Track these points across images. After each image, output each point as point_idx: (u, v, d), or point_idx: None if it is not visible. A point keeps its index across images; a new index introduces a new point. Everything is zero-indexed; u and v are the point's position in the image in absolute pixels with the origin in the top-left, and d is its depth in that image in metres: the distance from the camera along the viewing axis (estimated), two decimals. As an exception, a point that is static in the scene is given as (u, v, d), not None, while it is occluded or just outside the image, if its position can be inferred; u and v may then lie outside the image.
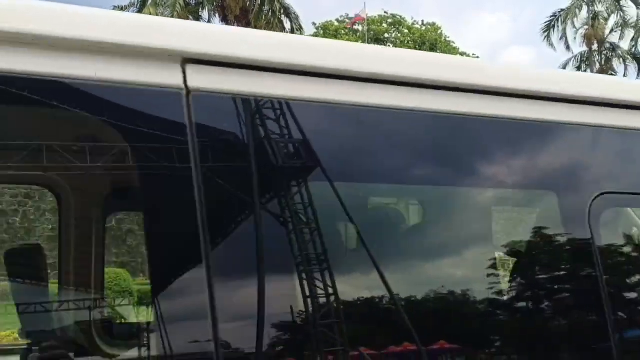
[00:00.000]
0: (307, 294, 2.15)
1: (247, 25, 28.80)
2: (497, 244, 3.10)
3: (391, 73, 2.34)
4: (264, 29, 28.72)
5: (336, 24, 56.28)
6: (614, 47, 36.76)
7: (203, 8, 29.51)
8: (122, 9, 28.95)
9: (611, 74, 37.03)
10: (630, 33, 36.89)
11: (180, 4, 27.08)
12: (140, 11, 28.01)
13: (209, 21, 29.90)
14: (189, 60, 2.03)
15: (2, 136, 2.13)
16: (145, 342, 2.70)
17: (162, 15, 27.99)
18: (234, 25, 28.90)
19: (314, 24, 57.33)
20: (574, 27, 36.43)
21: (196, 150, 2.00)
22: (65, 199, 3.17)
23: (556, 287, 2.87)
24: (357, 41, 51.14)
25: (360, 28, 50.07)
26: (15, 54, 1.81)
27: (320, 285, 2.17)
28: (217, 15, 29.26)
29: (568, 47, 36.57)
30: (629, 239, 3.12)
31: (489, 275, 2.70)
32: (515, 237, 3.33)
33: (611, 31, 36.83)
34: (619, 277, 2.93)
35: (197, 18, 29.74)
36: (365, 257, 2.32)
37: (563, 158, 2.84)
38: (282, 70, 2.16)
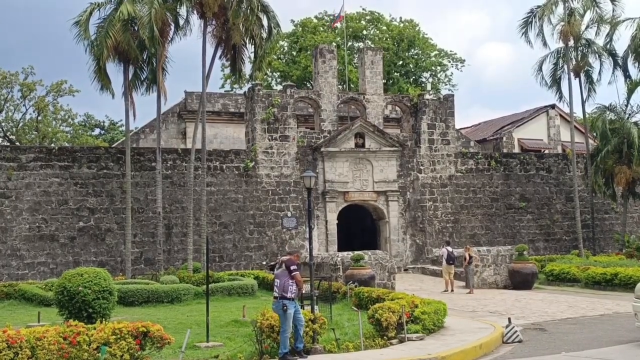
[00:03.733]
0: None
1: (225, 22, 28.65)
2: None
3: None
4: (242, 26, 28.59)
5: (315, 21, 56.26)
6: (589, 43, 37.12)
7: (181, 5, 29.24)
8: (98, 6, 28.65)
9: (587, 70, 37.47)
10: (605, 29, 37.32)
11: (158, 0, 26.81)
12: (117, 9, 27.71)
13: (186, 18, 29.71)
14: None
15: None
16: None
17: (140, 12, 27.75)
18: (211, 23, 28.77)
19: (292, 21, 57.38)
20: (551, 23, 36.76)
21: None
22: None
23: None
24: (335, 38, 51.18)
25: (338, 25, 50.04)
26: None
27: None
28: (195, 12, 29.02)
29: (545, 44, 36.90)
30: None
31: None
32: None
33: (587, 27, 37.22)
34: None
35: (175, 15, 29.50)
36: None
37: None
38: None
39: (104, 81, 28.79)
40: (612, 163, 34.97)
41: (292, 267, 12.02)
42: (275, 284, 12.07)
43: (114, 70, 29.28)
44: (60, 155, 30.62)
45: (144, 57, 29.50)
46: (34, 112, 52.38)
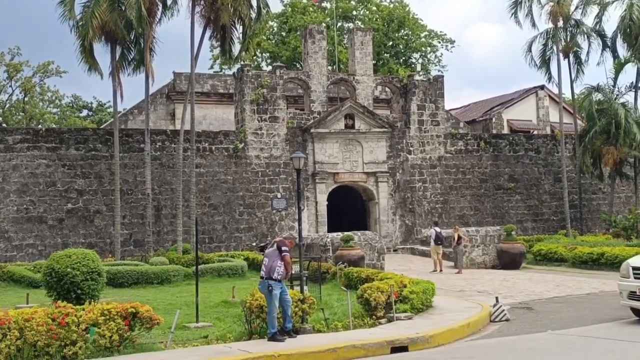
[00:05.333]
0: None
1: (214, 2, 28.41)
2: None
3: None
4: (231, 6, 28.35)
5: (304, 1, 55.84)
6: (578, 24, 37.13)
7: (169, -15, 28.95)
8: (84, -15, 28.29)
9: (576, 51, 37.49)
10: (594, 10, 37.34)
11: (144, -20, 26.52)
12: (103, -12, 27.37)
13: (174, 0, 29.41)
14: None
15: None
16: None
17: (127, -8, 27.42)
18: (200, 3, 28.49)
19: (281, 1, 56.94)
20: (540, 4, 36.71)
21: None
22: None
23: None
24: (324, 19, 50.86)
25: (328, 5, 49.70)
26: None
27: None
28: (182, -8, 28.77)
29: (534, 24, 36.89)
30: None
31: None
32: None
33: (576, 8, 37.21)
34: None
35: (163, -5, 29.19)
36: None
37: None
38: None
39: (90, 62, 28.52)
40: (600, 144, 35.15)
41: (283, 248, 12.06)
42: (264, 262, 12.10)
43: (101, 51, 29.05)
44: (47, 137, 30.41)
45: (132, 38, 29.23)
46: (20, 93, 51.95)
